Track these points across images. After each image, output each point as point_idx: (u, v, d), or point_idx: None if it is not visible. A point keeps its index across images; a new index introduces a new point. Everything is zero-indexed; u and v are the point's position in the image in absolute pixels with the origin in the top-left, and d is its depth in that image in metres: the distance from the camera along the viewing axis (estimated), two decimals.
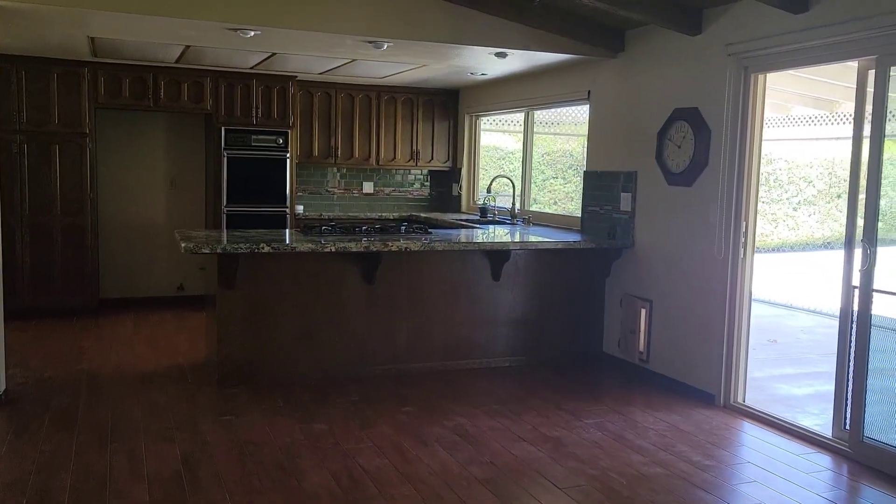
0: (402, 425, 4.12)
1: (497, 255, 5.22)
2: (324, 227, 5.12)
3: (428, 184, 8.43)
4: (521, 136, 7.24)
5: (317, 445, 3.78)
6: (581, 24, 5.26)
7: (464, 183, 8.06)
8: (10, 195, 6.33)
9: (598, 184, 5.69)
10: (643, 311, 5.17)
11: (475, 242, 5.07)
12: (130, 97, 6.64)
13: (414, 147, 7.99)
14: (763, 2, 4.01)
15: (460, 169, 8.10)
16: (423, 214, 7.63)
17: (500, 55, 5.50)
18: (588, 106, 5.88)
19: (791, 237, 13.19)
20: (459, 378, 5.10)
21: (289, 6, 4.66)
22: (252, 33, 4.83)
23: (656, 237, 5.10)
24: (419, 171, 8.35)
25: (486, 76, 6.87)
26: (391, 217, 7.66)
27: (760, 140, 4.43)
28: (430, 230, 5.42)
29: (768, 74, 4.40)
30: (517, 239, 5.37)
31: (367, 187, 8.16)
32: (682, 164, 4.81)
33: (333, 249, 4.60)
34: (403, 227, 5.41)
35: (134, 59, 6.38)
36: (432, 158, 8.10)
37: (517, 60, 5.94)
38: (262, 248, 4.45)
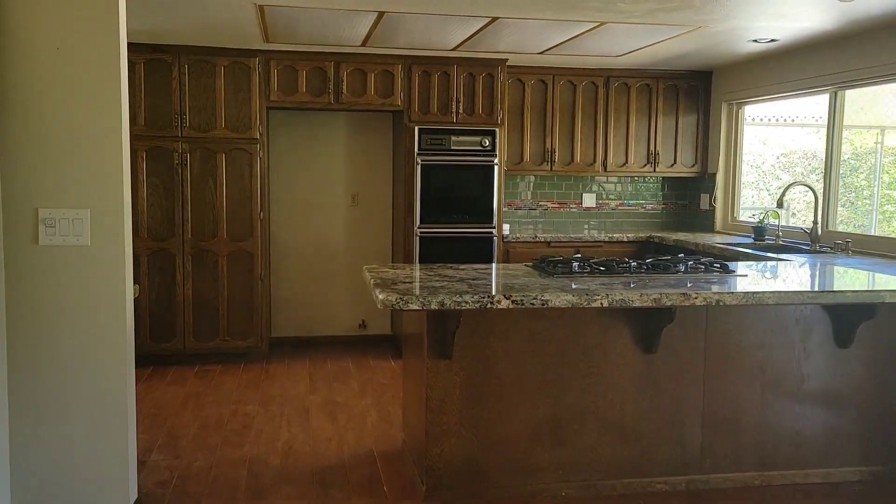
0: None
1: (848, 311, 3.30)
2: (575, 263, 3.46)
3: (661, 194, 6.56)
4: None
5: None
6: None
7: (719, 193, 6.12)
8: (171, 215, 5.25)
9: None
10: None
11: (827, 292, 3.17)
12: (308, 93, 5.37)
13: (651, 148, 6.16)
14: None
15: (713, 175, 6.16)
16: (666, 235, 5.78)
17: None
18: None
19: None
20: (789, 503, 3.24)
21: None
22: None
23: None
24: (654, 179, 6.50)
25: (775, 42, 4.91)
26: (625, 239, 5.87)
27: None
28: (729, 268, 3.59)
29: None
30: (878, 286, 3.41)
31: (588, 200, 6.43)
32: None
33: (606, 304, 2.91)
34: (687, 263, 3.61)
35: (312, 43, 5.09)
36: (675, 162, 6.22)
37: (830, 13, 4.01)
38: (498, 302, 2.85)
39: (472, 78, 5.57)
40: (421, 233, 5.53)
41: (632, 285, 3.12)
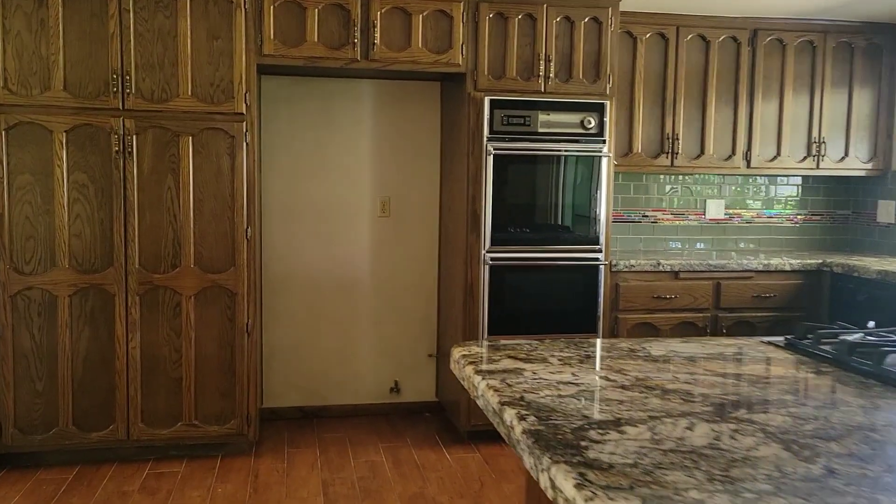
0: None
1: None
2: None
3: (808, 200, 4.68)
4: None
5: None
6: None
7: None
8: (108, 233, 3.35)
9: None
10: None
11: None
12: (321, 43, 3.48)
13: (813, 135, 4.29)
14: None
15: None
16: (851, 262, 3.90)
17: None
18: None
19: None
20: None
21: None
22: None
23: None
24: (799, 180, 4.63)
25: None
26: (787, 268, 3.99)
27: None
28: None
29: None
30: None
31: (714, 208, 4.55)
32: None
33: None
34: None
35: None
36: (846, 155, 4.35)
37: None
38: None
39: (570, 25, 3.69)
40: (492, 259, 3.64)
41: None
